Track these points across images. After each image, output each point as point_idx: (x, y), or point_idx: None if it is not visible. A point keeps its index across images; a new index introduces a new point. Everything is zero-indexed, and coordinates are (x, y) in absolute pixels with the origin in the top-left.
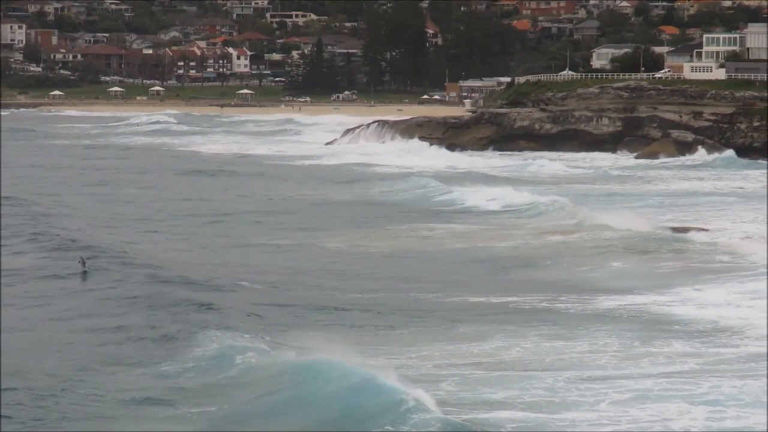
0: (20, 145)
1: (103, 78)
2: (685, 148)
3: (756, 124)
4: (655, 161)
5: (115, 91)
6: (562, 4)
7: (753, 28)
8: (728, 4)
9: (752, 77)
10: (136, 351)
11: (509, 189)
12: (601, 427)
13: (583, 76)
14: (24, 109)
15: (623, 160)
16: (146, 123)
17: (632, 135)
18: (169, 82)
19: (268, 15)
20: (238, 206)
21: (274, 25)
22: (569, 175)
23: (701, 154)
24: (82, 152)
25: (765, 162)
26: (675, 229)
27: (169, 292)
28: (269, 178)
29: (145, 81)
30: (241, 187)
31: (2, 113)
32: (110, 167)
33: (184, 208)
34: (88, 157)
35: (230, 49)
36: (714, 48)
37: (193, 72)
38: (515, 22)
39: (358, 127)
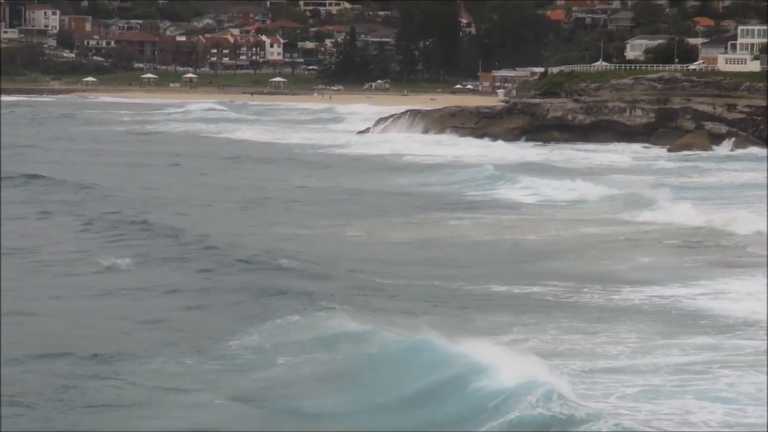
0: (78, 131)
1: (136, 65)
2: (719, 140)
3: None
4: (701, 153)
5: (148, 78)
6: None
7: None
8: None
9: None
10: (202, 332)
11: (578, 182)
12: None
13: (617, 67)
14: (63, 96)
15: (657, 151)
16: (195, 110)
17: (666, 126)
18: (202, 69)
19: (301, 3)
20: (271, 193)
21: (308, 13)
22: (616, 166)
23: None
24: (125, 138)
25: None
26: None
27: (229, 274)
28: (300, 166)
29: (178, 68)
30: (272, 174)
31: (38, 99)
32: (148, 152)
33: (217, 193)
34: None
35: (263, 37)
36: (749, 40)
37: (226, 59)
38: (549, 12)
39: (390, 116)
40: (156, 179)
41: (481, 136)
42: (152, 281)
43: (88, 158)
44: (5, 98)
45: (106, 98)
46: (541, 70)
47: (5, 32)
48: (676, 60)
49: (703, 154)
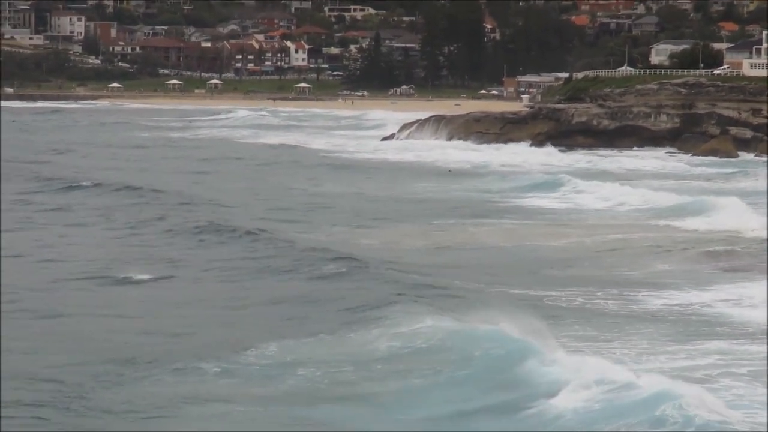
0: (125, 137)
1: (161, 71)
2: (744, 145)
3: None
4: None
5: (173, 84)
6: None
7: None
8: None
9: None
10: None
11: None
12: None
13: (642, 72)
14: (94, 102)
15: (683, 156)
16: (230, 118)
17: (691, 131)
18: (226, 75)
19: (326, 9)
20: (297, 199)
21: (332, 19)
22: (647, 171)
23: None
24: (167, 143)
25: None
26: None
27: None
28: (323, 172)
29: (203, 74)
30: (297, 179)
31: (73, 105)
32: (190, 157)
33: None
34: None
35: (288, 43)
36: None
37: (251, 65)
38: (574, 17)
39: (415, 122)
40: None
41: (505, 141)
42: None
43: (144, 164)
44: (32, 105)
45: (137, 105)
46: (565, 75)
47: (30, 38)
48: (701, 65)
49: (730, 159)
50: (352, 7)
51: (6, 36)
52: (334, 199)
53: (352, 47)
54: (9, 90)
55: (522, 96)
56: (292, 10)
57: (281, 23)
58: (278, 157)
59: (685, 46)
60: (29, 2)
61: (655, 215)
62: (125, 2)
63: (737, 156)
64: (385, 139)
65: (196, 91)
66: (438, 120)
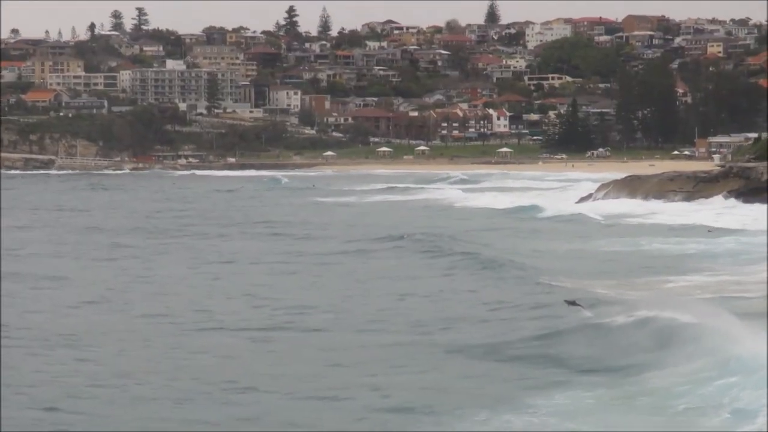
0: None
1: (372, 139)
2: None
3: None
4: None
5: (384, 151)
6: None
7: None
8: None
9: None
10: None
11: None
12: None
13: None
14: (335, 169)
15: None
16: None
17: None
18: (433, 142)
19: (525, 78)
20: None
21: (532, 87)
22: None
23: None
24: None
25: None
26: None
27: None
28: (523, 233)
29: (411, 141)
30: (515, 239)
31: (281, 173)
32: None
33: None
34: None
35: (490, 111)
36: None
37: (455, 132)
38: (761, 80)
39: (611, 182)
40: None
41: (697, 199)
42: None
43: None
44: (262, 173)
45: (382, 171)
46: (755, 135)
47: (251, 111)
48: None
49: None
50: (550, 75)
51: (228, 110)
52: (553, 259)
53: (551, 113)
54: (231, 159)
55: (713, 156)
56: (494, 80)
57: (483, 92)
58: (490, 223)
59: None
60: (249, 79)
61: None
62: (338, 76)
63: None
64: (582, 199)
65: (405, 157)
66: (633, 180)
